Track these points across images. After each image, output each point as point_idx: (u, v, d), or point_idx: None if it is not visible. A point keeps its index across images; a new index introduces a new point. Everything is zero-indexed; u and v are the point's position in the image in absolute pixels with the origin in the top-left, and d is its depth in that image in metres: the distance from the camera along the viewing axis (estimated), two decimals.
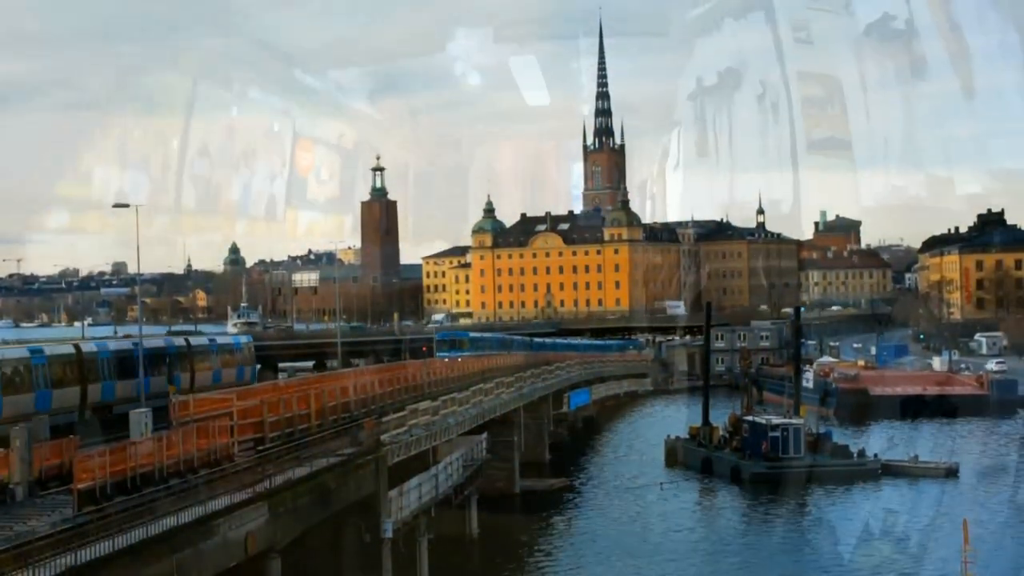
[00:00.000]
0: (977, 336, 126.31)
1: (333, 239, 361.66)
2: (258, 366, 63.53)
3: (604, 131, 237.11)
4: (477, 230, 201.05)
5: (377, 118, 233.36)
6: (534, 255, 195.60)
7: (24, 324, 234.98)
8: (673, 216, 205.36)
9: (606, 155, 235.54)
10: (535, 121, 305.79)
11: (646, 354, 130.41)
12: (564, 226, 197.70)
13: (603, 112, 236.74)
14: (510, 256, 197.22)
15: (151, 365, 43.09)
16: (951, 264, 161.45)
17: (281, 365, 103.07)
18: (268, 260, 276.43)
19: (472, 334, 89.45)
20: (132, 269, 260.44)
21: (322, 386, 39.90)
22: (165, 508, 22.88)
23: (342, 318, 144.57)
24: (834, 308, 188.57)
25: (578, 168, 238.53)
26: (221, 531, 24.01)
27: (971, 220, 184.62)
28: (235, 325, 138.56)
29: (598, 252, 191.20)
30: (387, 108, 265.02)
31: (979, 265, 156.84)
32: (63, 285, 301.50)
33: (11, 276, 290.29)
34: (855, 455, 61.08)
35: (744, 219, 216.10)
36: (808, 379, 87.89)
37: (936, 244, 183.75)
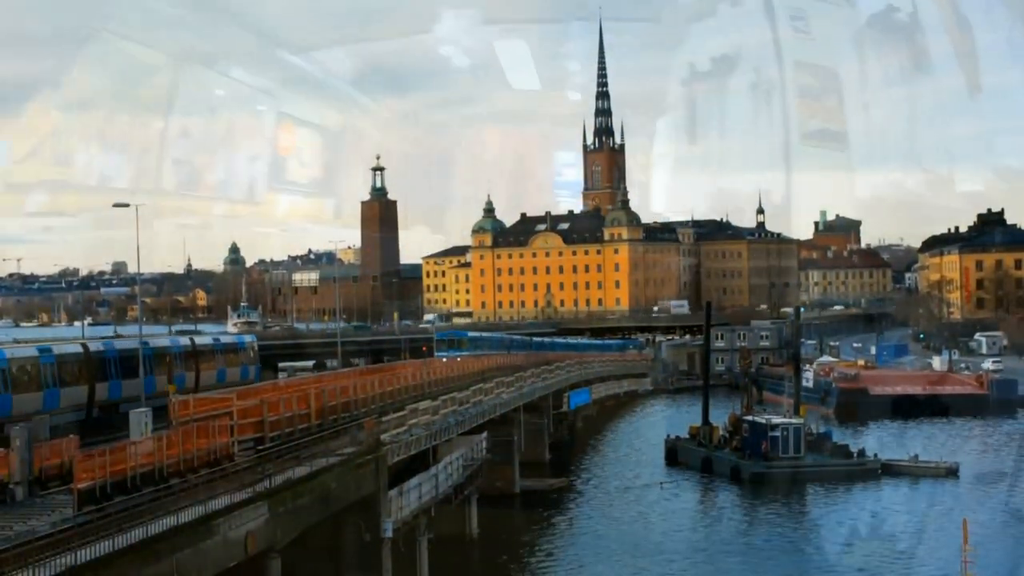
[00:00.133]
0: (977, 336, 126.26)
1: (333, 239, 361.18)
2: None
3: (604, 131, 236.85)
4: (477, 230, 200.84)
5: (372, 108, 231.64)
6: (534, 255, 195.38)
7: (24, 324, 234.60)
8: (673, 216, 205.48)
9: (606, 155, 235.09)
10: (526, 107, 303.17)
11: (646, 354, 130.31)
12: (564, 226, 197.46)
13: (603, 112, 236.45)
14: (510, 256, 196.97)
15: (157, 365, 43.22)
16: (951, 264, 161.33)
17: (281, 365, 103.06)
18: (268, 260, 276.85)
19: (471, 334, 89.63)
20: (132, 269, 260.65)
21: (322, 386, 39.91)
22: (165, 508, 22.86)
23: (342, 318, 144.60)
24: (834, 308, 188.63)
25: (577, 167, 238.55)
26: (221, 531, 24.01)
27: (971, 219, 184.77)
28: (235, 325, 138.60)
29: (598, 252, 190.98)
30: (385, 106, 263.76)
31: (979, 265, 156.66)
32: (63, 285, 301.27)
33: (11, 276, 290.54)
34: (855, 455, 61.15)
35: (744, 219, 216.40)
36: (808, 379, 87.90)
37: (936, 244, 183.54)
